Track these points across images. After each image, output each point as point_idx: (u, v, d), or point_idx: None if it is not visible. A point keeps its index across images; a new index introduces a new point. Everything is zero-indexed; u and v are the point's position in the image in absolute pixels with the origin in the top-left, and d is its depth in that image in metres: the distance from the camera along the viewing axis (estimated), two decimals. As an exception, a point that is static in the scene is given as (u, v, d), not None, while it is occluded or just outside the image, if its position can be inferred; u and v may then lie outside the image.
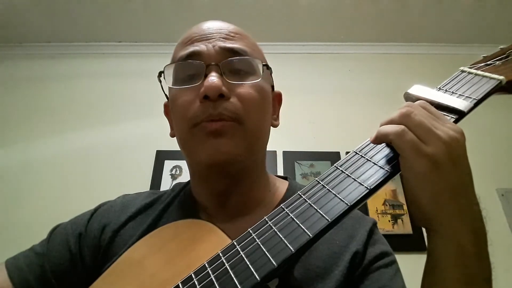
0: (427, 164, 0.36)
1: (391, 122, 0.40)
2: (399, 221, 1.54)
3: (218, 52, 0.52)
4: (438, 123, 0.39)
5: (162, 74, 0.55)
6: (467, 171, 0.39)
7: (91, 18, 1.93)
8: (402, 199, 1.59)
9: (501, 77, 0.44)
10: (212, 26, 0.56)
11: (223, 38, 0.54)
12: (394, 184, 1.62)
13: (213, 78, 0.49)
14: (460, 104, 0.42)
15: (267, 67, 0.56)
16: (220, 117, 0.49)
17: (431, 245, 0.40)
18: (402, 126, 0.38)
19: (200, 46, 0.52)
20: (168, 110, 0.61)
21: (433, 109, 0.41)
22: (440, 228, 0.38)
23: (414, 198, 0.39)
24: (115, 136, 1.80)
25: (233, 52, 0.52)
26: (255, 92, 0.52)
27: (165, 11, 1.88)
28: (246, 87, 0.52)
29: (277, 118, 0.63)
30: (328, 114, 1.87)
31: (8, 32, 1.99)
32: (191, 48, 0.52)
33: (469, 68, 0.49)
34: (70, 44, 2.08)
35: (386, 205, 1.58)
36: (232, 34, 0.55)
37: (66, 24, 1.96)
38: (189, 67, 0.52)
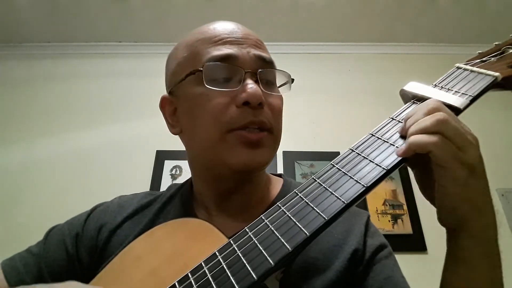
0: (466, 171, 0.37)
1: (425, 130, 0.37)
2: (399, 221, 1.54)
3: (252, 59, 0.52)
4: (461, 124, 0.39)
5: (200, 73, 0.51)
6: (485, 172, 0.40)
7: (91, 18, 1.93)
8: (402, 199, 1.59)
9: (497, 74, 0.44)
10: (238, 29, 0.55)
11: (254, 45, 0.54)
12: (394, 184, 1.62)
13: (253, 86, 0.49)
14: (456, 101, 0.42)
15: (292, 81, 0.58)
16: (261, 125, 0.49)
17: (460, 244, 0.41)
18: (442, 137, 0.36)
19: (235, 50, 0.52)
20: (165, 103, 0.58)
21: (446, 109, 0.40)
22: (474, 230, 0.40)
23: (449, 202, 0.39)
24: (115, 136, 1.80)
25: (264, 61, 0.53)
26: (281, 103, 0.56)
27: (165, 11, 1.88)
28: (275, 97, 0.54)
29: None
30: (328, 114, 1.87)
31: (8, 32, 1.99)
32: (225, 50, 0.51)
33: (464, 64, 0.48)
34: (70, 44, 2.08)
35: (386, 205, 1.57)
36: (259, 43, 0.56)
37: (66, 24, 1.97)
38: (224, 69, 0.51)
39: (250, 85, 0.49)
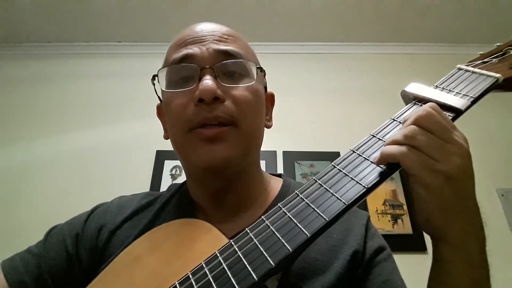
0: (440, 179, 0.36)
1: (395, 141, 0.38)
2: (399, 221, 1.54)
3: (212, 54, 0.51)
4: (447, 134, 0.38)
5: (156, 78, 0.55)
6: (473, 180, 0.39)
7: (91, 18, 1.93)
8: (402, 199, 1.59)
9: (498, 75, 0.44)
10: (205, 28, 0.55)
11: (216, 40, 0.53)
12: (394, 184, 1.62)
13: (208, 81, 0.48)
14: (457, 102, 0.42)
15: (260, 69, 0.56)
16: (217, 120, 0.48)
17: (439, 252, 0.40)
18: (410, 147, 0.37)
19: (194, 49, 0.52)
20: (161, 112, 0.61)
21: (442, 114, 0.40)
22: (450, 238, 0.39)
23: (424, 209, 0.39)
24: (115, 136, 1.80)
25: (227, 54, 0.52)
26: (250, 95, 0.52)
27: (165, 11, 1.88)
28: (240, 89, 0.52)
29: (270, 119, 0.63)
30: (328, 114, 1.87)
31: (8, 32, 1.99)
32: (184, 51, 0.52)
33: (466, 66, 0.48)
34: (70, 44, 2.08)
35: (386, 205, 1.57)
36: (225, 36, 0.54)
37: (66, 24, 1.96)
38: (183, 70, 0.52)
39: (205, 81, 0.48)
